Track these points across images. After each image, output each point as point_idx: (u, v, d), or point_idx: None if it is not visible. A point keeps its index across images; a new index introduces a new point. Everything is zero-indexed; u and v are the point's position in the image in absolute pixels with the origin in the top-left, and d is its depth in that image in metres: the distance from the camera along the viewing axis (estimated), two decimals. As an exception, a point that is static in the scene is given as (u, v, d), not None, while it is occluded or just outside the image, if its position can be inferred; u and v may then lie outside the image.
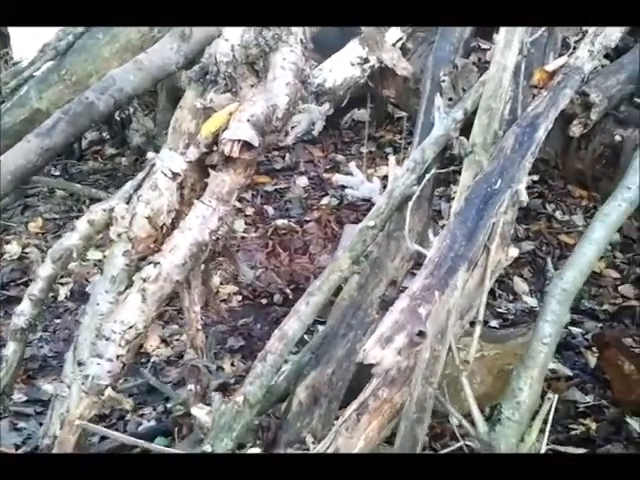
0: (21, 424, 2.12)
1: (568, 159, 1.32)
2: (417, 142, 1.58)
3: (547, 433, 1.13)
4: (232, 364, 2.42)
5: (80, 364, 1.59)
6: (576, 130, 1.28)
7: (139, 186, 1.62)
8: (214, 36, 1.71)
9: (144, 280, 1.50)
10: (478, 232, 1.01)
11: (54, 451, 1.49)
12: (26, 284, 2.91)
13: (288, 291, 2.90)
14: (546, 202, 3.30)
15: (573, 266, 1.14)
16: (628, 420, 2.08)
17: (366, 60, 1.72)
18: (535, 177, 3.31)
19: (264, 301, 2.85)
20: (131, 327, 1.48)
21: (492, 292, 2.86)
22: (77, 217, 3.33)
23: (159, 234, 1.60)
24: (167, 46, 1.72)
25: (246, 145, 1.47)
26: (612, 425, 2.12)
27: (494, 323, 2.74)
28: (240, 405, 1.42)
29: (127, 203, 1.61)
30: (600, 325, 2.66)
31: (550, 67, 1.29)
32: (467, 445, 1.16)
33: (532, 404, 1.15)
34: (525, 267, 2.98)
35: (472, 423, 1.17)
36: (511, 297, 2.91)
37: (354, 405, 1.26)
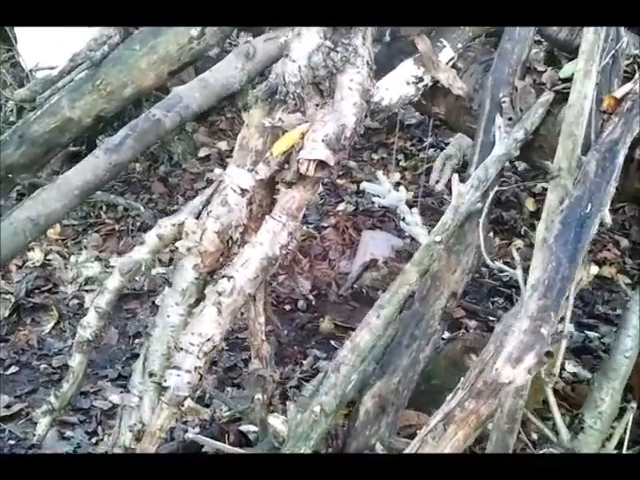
0: (68, 432, 2.15)
1: (628, 179, 1.40)
2: (476, 160, 1.65)
3: (627, 441, 1.20)
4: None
5: (152, 375, 1.63)
6: (640, 152, 1.36)
7: (208, 202, 1.66)
8: (276, 56, 1.76)
9: (219, 294, 1.55)
10: (578, 254, 1.09)
11: (134, 461, 1.53)
12: (50, 291, 2.94)
13: (311, 297, 2.96)
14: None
15: (651, 283, 1.23)
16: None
17: (421, 79, 1.79)
18: (545, 184, 3.41)
19: (287, 307, 2.91)
20: (208, 339, 1.52)
21: (510, 297, 2.97)
22: (94, 223, 3.40)
23: (226, 248, 1.65)
24: (232, 65, 1.76)
25: (320, 164, 1.53)
26: (638, 426, 2.22)
27: (513, 327, 2.84)
28: (317, 415, 1.48)
29: (196, 218, 1.65)
30: (614, 329, 2.77)
31: (618, 93, 1.37)
32: (550, 452, 1.24)
33: (612, 413, 1.23)
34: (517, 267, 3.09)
35: (555, 432, 1.25)
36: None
37: (439, 415, 1.32)
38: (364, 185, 2.76)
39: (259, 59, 1.77)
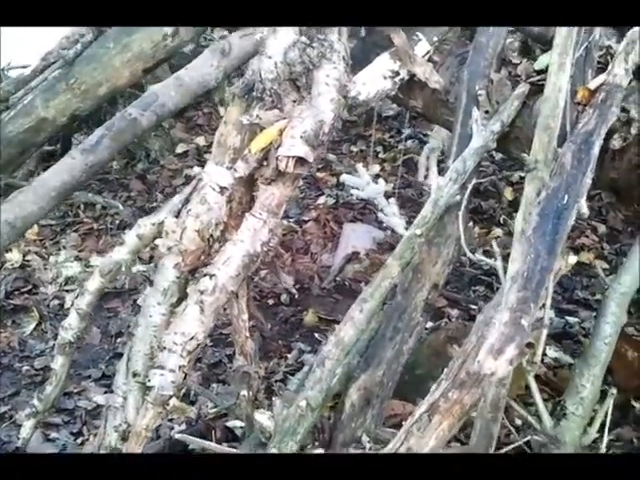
0: (53, 434, 2.13)
1: (603, 169, 1.42)
2: (454, 152, 1.66)
3: (608, 425, 1.23)
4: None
5: (135, 375, 1.63)
6: (616, 144, 1.38)
7: (187, 200, 1.66)
8: (252, 52, 1.76)
9: (201, 292, 1.55)
10: (556, 245, 1.10)
11: (120, 462, 1.53)
12: (30, 292, 2.91)
13: (294, 291, 2.96)
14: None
15: (628, 271, 1.25)
16: (634, 404, 2.21)
17: (397, 73, 1.79)
18: (522, 173, 3.44)
19: (271, 301, 2.91)
20: (192, 338, 1.52)
21: (491, 286, 3.00)
22: (73, 222, 3.37)
23: (207, 246, 1.65)
24: (207, 62, 1.75)
25: (299, 161, 1.53)
26: (619, 410, 2.26)
27: (494, 315, 2.87)
28: (303, 409, 1.49)
29: (176, 217, 1.65)
30: (594, 314, 2.82)
31: (592, 85, 1.38)
32: (534, 439, 1.26)
33: (594, 399, 1.26)
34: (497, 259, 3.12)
35: (538, 418, 1.27)
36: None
37: (424, 406, 1.34)
38: (343, 177, 2.77)
39: (235, 55, 1.76)
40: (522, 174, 3.50)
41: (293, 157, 1.52)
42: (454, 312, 2.83)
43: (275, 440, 1.48)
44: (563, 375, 2.41)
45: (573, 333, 2.71)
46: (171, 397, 1.50)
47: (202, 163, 3.85)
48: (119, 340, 2.69)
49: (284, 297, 2.90)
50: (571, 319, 2.78)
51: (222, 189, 1.62)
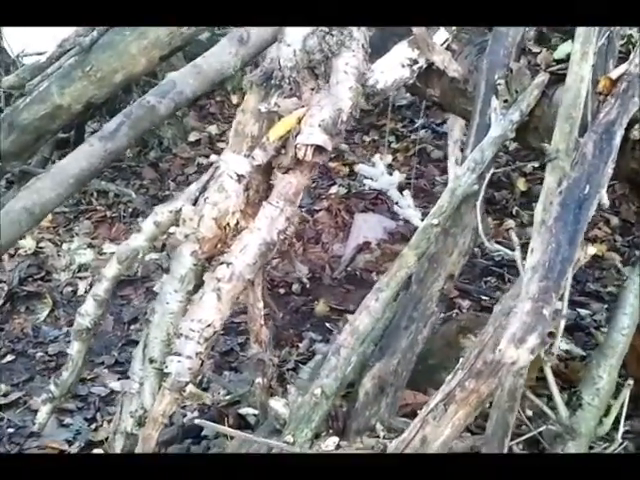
0: (67, 420, 2.15)
1: (623, 159, 1.41)
2: (472, 142, 1.66)
3: (624, 416, 1.23)
4: (265, 354, 2.48)
5: (152, 361, 1.64)
6: (637, 134, 1.37)
7: (204, 188, 1.66)
8: (270, 40, 1.75)
9: (219, 280, 1.55)
10: (577, 235, 1.10)
11: (137, 448, 1.54)
12: (43, 279, 2.93)
13: (305, 280, 2.97)
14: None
15: (647, 263, 1.25)
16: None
17: (415, 62, 1.78)
18: (535, 164, 3.44)
19: (282, 291, 2.92)
20: (209, 325, 1.53)
21: (502, 276, 3.00)
22: (86, 210, 3.38)
23: (224, 234, 1.65)
24: (225, 50, 1.74)
25: (318, 149, 1.53)
26: (631, 401, 2.25)
27: (506, 307, 2.87)
28: (318, 397, 1.50)
29: (193, 205, 1.65)
30: (606, 306, 2.81)
31: (614, 74, 1.37)
32: (549, 429, 1.26)
33: (610, 390, 1.26)
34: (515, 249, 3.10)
35: (553, 409, 1.27)
36: (520, 281, 3.03)
37: (440, 395, 1.34)
38: (359, 167, 2.77)
39: (253, 44, 1.76)
40: (535, 165, 3.50)
41: (312, 145, 1.52)
42: (465, 303, 2.83)
43: (290, 427, 1.49)
44: (574, 367, 2.41)
45: (584, 325, 2.70)
46: (187, 383, 1.51)
47: (215, 151, 3.89)
48: (132, 327, 2.70)
49: (295, 287, 2.91)
50: (583, 311, 2.77)
51: (240, 177, 1.63)
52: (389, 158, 3.54)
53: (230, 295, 1.57)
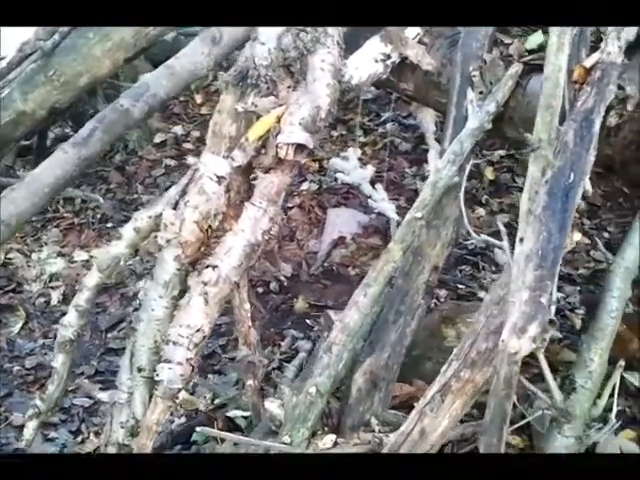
0: (51, 434, 2.11)
1: (599, 145, 1.44)
2: (450, 134, 1.67)
3: (616, 397, 1.26)
4: (247, 354, 2.47)
5: (140, 370, 1.61)
6: (612, 121, 1.40)
7: (184, 192, 1.64)
8: (243, 39, 1.74)
9: (205, 284, 1.54)
10: (566, 223, 1.12)
11: (131, 458, 1.52)
12: (14, 291, 2.86)
13: (283, 278, 2.96)
14: (515, 175, 3.48)
15: (631, 246, 1.28)
16: (625, 375, 2.26)
17: (389, 56, 1.79)
18: (502, 152, 3.49)
19: (260, 290, 2.90)
20: (198, 330, 1.52)
21: (476, 264, 3.04)
22: (53, 218, 3.31)
23: (206, 237, 1.63)
24: (198, 50, 1.72)
25: (299, 147, 1.52)
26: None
27: (482, 295, 2.91)
28: (313, 396, 1.50)
29: (174, 209, 1.63)
30: (579, 289, 2.87)
31: (587, 63, 1.40)
32: (546, 414, 1.29)
33: (602, 372, 1.29)
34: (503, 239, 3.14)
35: (548, 393, 1.29)
36: (494, 268, 3.08)
37: (435, 387, 1.36)
38: (332, 162, 2.77)
39: (225, 43, 1.74)
40: (502, 153, 3.54)
41: (293, 144, 1.51)
42: (442, 292, 2.86)
43: (287, 428, 1.48)
44: (553, 350, 2.45)
45: (559, 308, 2.75)
46: (180, 390, 1.50)
47: (181, 152, 3.85)
48: (109, 335, 2.66)
49: (273, 285, 2.90)
50: (556, 294, 2.82)
51: (220, 179, 1.61)
52: (358, 152, 3.55)
53: (217, 298, 1.55)
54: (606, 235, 3.17)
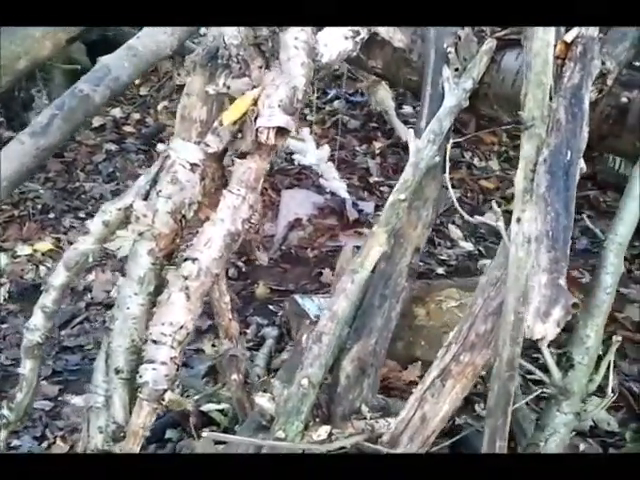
0: (14, 442, 1.99)
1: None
2: (426, 113, 1.64)
3: (612, 373, 1.28)
4: (213, 345, 2.40)
5: (118, 372, 1.53)
6: (592, 96, 1.40)
7: (155, 181, 1.55)
8: (209, 17, 1.64)
9: (185, 278, 1.46)
10: (570, 202, 1.11)
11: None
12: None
13: (241, 264, 2.89)
14: (463, 151, 3.51)
15: (623, 221, 1.29)
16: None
17: (358, 33, 1.73)
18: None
19: (218, 277, 2.82)
20: (181, 327, 1.44)
21: (432, 241, 3.05)
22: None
23: (180, 228, 1.56)
24: (161, 29, 1.62)
25: (280, 131, 1.46)
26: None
27: (440, 270, 2.93)
28: (306, 387, 1.45)
29: (144, 200, 1.54)
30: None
31: (568, 38, 1.39)
32: (544, 392, 1.29)
33: (597, 347, 1.30)
34: (456, 214, 3.17)
35: (546, 371, 1.30)
36: (449, 244, 3.10)
37: (435, 372, 1.34)
38: (288, 143, 2.69)
39: (190, 21, 1.64)
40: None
41: (274, 127, 1.44)
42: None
43: (280, 422, 1.43)
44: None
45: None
46: (165, 391, 1.42)
47: (121, 136, 3.68)
48: (63, 333, 2.53)
49: (232, 271, 2.82)
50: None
51: (193, 166, 1.53)
52: (306, 131, 3.50)
53: (199, 293, 1.48)
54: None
